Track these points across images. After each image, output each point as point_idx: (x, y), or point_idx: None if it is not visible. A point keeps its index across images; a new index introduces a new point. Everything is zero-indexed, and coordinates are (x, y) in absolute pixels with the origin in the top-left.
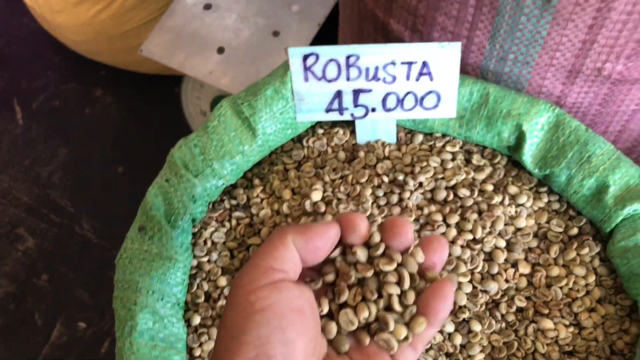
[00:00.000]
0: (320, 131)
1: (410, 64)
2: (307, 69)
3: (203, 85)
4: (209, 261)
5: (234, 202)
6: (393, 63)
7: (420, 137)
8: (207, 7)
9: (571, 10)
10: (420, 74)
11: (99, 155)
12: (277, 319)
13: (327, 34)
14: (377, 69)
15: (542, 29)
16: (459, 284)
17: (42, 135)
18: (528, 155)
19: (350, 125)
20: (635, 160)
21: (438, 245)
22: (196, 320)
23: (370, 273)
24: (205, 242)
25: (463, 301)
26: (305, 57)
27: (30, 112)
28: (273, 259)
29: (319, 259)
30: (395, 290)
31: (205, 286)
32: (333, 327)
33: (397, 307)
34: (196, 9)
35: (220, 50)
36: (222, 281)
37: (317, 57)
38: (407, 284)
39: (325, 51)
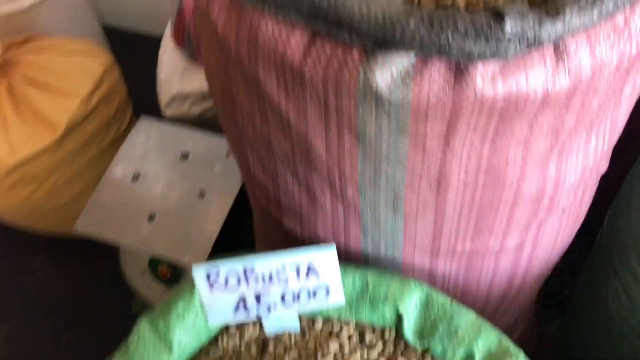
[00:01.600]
0: (233, 330)
1: (297, 266)
2: (210, 283)
3: None
4: None
5: None
6: (283, 267)
7: (320, 323)
8: (135, 177)
9: (415, 214)
10: (308, 273)
11: (42, 326)
12: None
13: None
14: (270, 273)
15: (398, 226)
16: None
17: None
18: (408, 331)
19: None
20: (509, 304)
21: None
22: None
23: None
24: None
25: None
26: (208, 273)
27: None
28: None
29: None
30: None
31: None
32: None
33: None
34: (125, 180)
35: (151, 217)
36: None
37: (218, 272)
38: None
39: (225, 266)
